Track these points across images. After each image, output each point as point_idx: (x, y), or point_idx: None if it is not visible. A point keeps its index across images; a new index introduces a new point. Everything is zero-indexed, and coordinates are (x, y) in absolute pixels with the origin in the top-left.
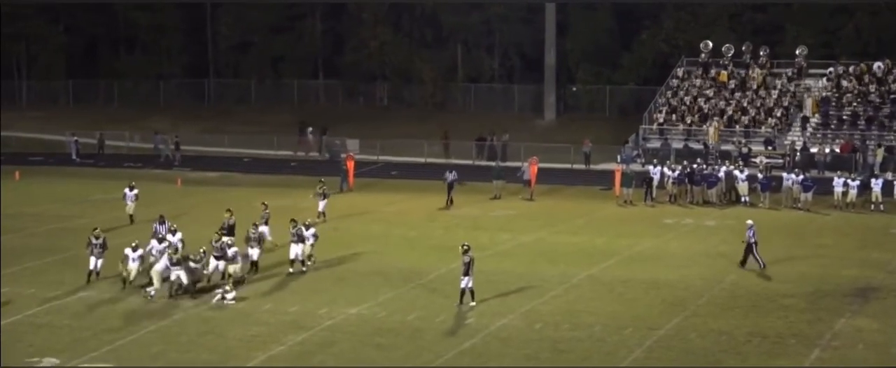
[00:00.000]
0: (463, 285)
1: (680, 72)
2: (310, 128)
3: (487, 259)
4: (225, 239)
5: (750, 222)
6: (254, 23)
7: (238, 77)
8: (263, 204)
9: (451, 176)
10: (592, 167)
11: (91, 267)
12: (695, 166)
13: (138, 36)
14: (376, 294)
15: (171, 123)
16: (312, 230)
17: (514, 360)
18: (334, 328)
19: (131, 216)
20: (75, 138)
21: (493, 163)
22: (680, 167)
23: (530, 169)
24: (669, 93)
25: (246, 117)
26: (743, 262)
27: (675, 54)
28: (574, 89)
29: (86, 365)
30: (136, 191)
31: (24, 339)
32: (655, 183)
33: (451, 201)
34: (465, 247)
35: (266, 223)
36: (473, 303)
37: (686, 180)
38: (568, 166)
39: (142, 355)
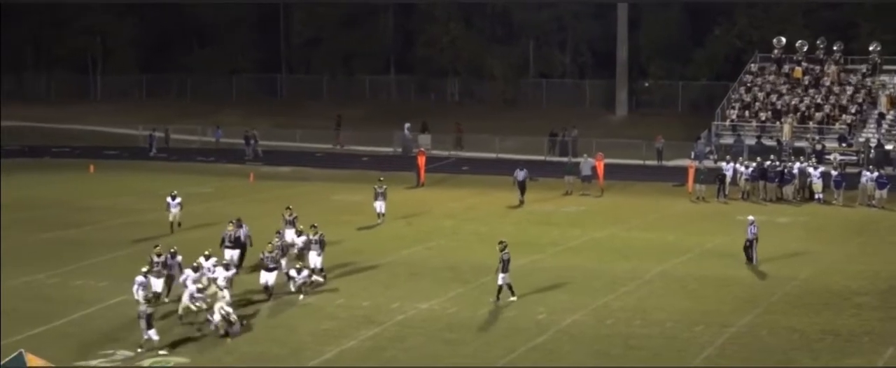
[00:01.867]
0: (500, 281)
1: (753, 68)
2: (407, 125)
3: (558, 254)
4: (229, 252)
5: (751, 218)
6: (326, 18)
7: (310, 72)
8: (288, 208)
9: (521, 173)
10: (664, 163)
11: (154, 289)
12: (768, 163)
13: (211, 31)
14: (447, 289)
15: (243, 118)
16: (320, 234)
17: (584, 356)
18: (405, 323)
19: (172, 224)
20: (152, 132)
21: (564, 159)
22: (754, 164)
23: (597, 164)
24: (743, 90)
25: (318, 112)
26: (748, 259)
27: (748, 50)
28: (646, 85)
29: (158, 358)
30: (179, 201)
31: (98, 331)
32: (728, 179)
33: (523, 199)
34: (503, 245)
35: (293, 225)
36: (510, 299)
37: (759, 177)
38: (640, 162)
39: (214, 348)
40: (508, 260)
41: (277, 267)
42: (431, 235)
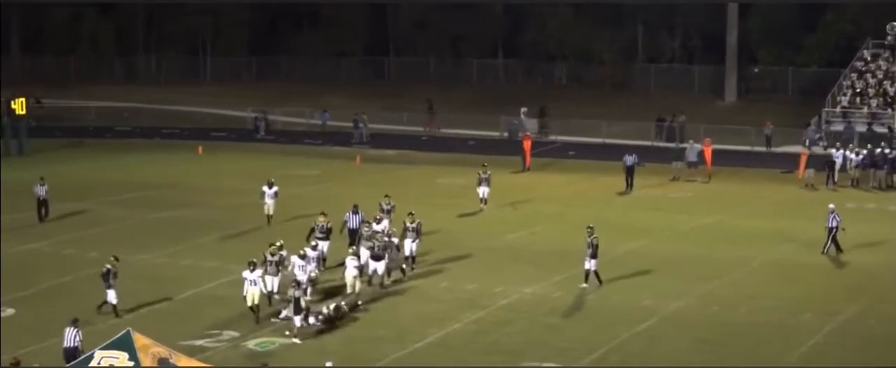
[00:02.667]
0: (588, 266)
1: (866, 54)
2: (524, 109)
3: (665, 240)
4: (324, 244)
5: (831, 206)
6: (434, 1)
7: (417, 55)
8: (386, 195)
9: (630, 159)
10: (773, 149)
11: (268, 288)
12: (878, 150)
13: (320, 14)
14: (552, 273)
15: (351, 101)
16: (417, 222)
17: (688, 343)
18: (510, 307)
19: (269, 217)
20: (258, 114)
21: (671, 145)
22: (864, 151)
23: (704, 150)
24: (854, 76)
25: (425, 95)
26: (838, 248)
27: (860, 36)
28: (756, 70)
29: (264, 339)
30: (275, 189)
31: (206, 312)
32: (838, 166)
33: (631, 185)
34: (591, 230)
35: (388, 214)
36: (585, 285)
37: (870, 164)
38: (748, 148)
39: (319, 331)
40: (597, 246)
41: (385, 255)
42: (536, 220)
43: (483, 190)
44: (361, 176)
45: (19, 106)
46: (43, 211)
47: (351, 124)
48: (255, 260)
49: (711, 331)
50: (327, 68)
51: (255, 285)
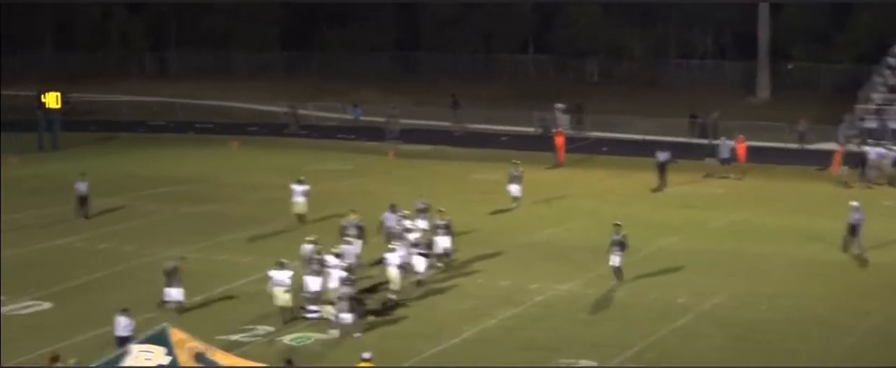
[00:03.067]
0: (615, 263)
1: None
2: (557, 105)
3: (698, 237)
4: (356, 241)
5: (855, 204)
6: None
7: (448, 51)
8: (421, 195)
9: (663, 156)
10: (806, 146)
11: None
12: None
13: (351, 9)
14: (586, 270)
15: (382, 95)
16: (447, 219)
17: (724, 340)
18: (544, 303)
19: (300, 216)
20: (289, 109)
21: (704, 141)
22: None
23: (738, 147)
24: (887, 72)
25: (456, 91)
26: (845, 246)
27: (892, 33)
28: (788, 67)
29: (299, 335)
30: (305, 187)
31: (240, 307)
32: (871, 163)
33: (665, 182)
34: (618, 226)
35: (424, 214)
36: (615, 282)
37: None
38: (782, 145)
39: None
40: (624, 243)
41: (428, 254)
42: (570, 216)
43: (515, 188)
44: (395, 171)
45: (52, 100)
46: (84, 207)
47: (382, 119)
48: (284, 260)
49: (747, 328)
50: (358, 63)
51: (283, 286)
